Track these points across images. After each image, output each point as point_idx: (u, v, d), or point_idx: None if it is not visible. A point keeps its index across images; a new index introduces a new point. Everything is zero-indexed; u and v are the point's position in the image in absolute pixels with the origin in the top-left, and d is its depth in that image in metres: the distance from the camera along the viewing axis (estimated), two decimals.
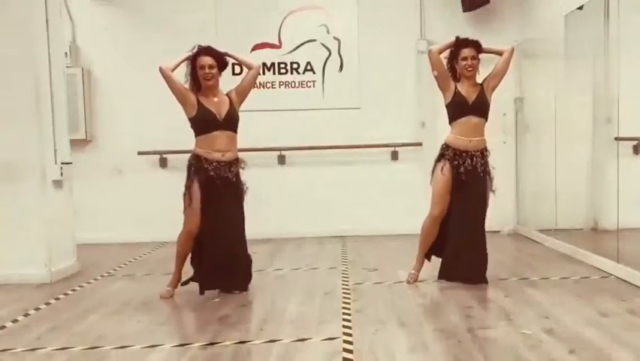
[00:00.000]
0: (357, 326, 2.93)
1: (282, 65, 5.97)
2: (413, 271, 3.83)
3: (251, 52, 5.88)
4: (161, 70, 3.41)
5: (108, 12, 5.93)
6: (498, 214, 5.97)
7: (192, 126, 3.53)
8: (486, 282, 3.68)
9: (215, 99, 3.52)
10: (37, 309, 3.42)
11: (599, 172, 5.59)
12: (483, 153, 3.72)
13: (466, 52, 3.60)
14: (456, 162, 3.62)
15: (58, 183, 4.26)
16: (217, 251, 3.44)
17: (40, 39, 4.11)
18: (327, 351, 2.57)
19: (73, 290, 3.92)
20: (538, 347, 2.54)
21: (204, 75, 3.46)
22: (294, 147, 5.85)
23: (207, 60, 3.47)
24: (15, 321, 3.18)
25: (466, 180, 3.63)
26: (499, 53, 3.76)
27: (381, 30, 5.93)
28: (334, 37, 5.96)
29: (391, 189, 5.89)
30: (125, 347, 2.71)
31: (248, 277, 3.65)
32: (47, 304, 3.55)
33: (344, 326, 2.92)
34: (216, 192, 3.44)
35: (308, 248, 5.36)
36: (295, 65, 5.97)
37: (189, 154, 3.56)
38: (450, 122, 3.74)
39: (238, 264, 3.56)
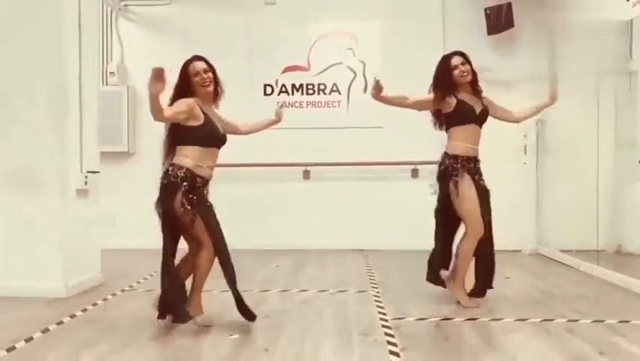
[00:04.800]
0: None
1: (310, 86, 6.32)
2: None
3: (282, 73, 6.31)
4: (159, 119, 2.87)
5: (155, 37, 6.45)
6: (519, 233, 6.08)
7: (191, 135, 3.01)
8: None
9: (217, 111, 3.19)
10: (28, 340, 2.89)
11: (622, 194, 5.63)
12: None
13: (455, 60, 3.55)
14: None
15: (82, 192, 4.15)
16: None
17: (69, 59, 4.07)
18: None
19: (84, 310, 3.54)
20: None
21: (202, 81, 3.02)
22: (319, 163, 6.15)
23: (202, 65, 3.05)
24: None
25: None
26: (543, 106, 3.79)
27: (404, 53, 6.19)
28: (360, 60, 6.28)
29: (412, 206, 6.07)
30: None
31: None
32: (45, 331, 3.05)
33: None
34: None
35: (331, 262, 5.41)
36: (322, 87, 6.32)
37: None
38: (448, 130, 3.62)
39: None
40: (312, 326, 3.19)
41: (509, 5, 5.91)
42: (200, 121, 3.01)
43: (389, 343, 2.83)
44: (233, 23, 6.31)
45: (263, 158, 6.01)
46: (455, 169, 3.47)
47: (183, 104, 2.99)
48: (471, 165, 3.51)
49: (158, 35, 6.45)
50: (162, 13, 6.43)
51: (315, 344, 2.85)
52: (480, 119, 3.57)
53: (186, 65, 3.07)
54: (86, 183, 4.18)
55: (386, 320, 3.27)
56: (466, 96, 3.57)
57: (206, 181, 3.11)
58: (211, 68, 3.09)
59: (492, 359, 2.63)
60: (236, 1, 6.34)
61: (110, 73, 6.21)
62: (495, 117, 3.72)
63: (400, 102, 3.65)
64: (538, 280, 4.67)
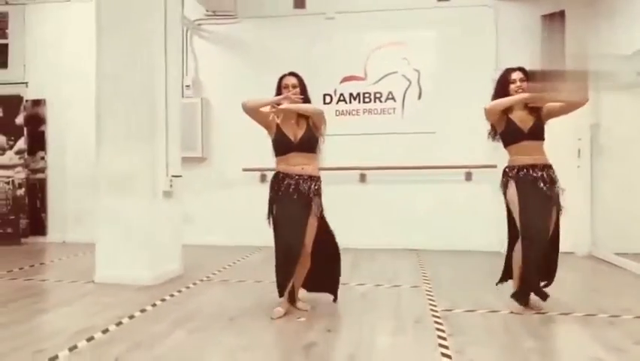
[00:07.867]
0: None
1: (367, 95, 6.69)
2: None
3: (340, 83, 6.73)
4: (243, 105, 3.46)
5: (224, 52, 7.03)
6: (572, 236, 6.17)
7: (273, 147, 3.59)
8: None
9: (292, 121, 3.52)
10: (130, 317, 3.49)
11: None
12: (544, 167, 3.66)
13: (515, 75, 3.64)
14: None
15: (168, 194, 4.72)
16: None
17: (158, 74, 4.66)
18: None
19: (171, 295, 4.12)
20: None
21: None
22: (375, 167, 6.52)
23: (291, 79, 3.49)
24: (105, 331, 3.19)
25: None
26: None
27: (458, 61, 6.46)
28: (414, 69, 6.60)
29: (465, 208, 6.35)
30: None
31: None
32: (142, 311, 3.64)
33: None
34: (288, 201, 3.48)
35: (386, 261, 5.69)
36: (378, 95, 6.67)
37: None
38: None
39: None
40: (371, 313, 3.61)
41: (562, 12, 6.05)
42: (272, 133, 3.54)
43: (438, 329, 3.21)
44: (295, 37, 6.80)
45: (323, 162, 6.43)
46: (506, 179, 3.67)
47: (264, 115, 3.51)
48: (522, 172, 3.60)
49: (227, 51, 7.03)
50: (231, 31, 7.01)
51: (374, 327, 3.28)
52: (531, 135, 3.63)
53: (280, 79, 3.54)
54: (171, 185, 4.76)
55: (436, 311, 3.63)
56: (517, 114, 3.65)
57: (292, 178, 3.50)
58: (300, 84, 3.50)
59: (531, 343, 2.93)
60: (297, 18, 6.83)
61: (186, 86, 6.86)
62: (561, 115, 3.68)
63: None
64: (589, 281, 4.82)
